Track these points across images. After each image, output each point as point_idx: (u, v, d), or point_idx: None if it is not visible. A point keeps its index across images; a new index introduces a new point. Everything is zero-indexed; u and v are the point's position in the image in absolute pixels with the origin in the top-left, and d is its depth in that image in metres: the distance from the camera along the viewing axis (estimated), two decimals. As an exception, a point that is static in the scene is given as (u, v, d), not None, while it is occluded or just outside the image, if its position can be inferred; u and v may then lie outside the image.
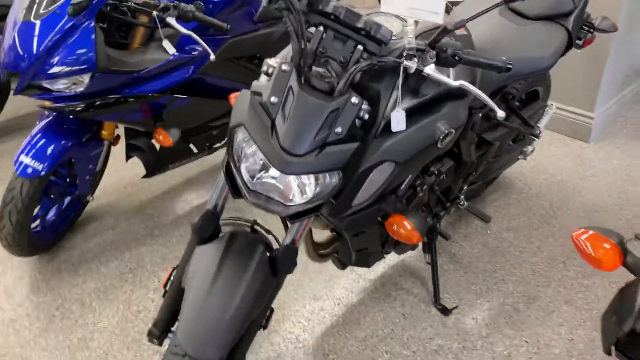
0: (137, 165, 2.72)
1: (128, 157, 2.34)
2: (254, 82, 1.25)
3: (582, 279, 2.10)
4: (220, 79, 2.28)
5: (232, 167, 1.24)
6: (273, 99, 1.16)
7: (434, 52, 1.23)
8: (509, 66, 1.24)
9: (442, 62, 1.24)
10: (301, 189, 1.19)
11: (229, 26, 1.95)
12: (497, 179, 2.68)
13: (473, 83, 1.50)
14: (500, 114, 1.27)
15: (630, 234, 2.31)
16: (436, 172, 1.65)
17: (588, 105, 2.85)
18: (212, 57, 1.95)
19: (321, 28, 1.18)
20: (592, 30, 2.10)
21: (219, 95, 2.31)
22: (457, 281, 2.10)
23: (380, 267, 2.19)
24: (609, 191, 2.59)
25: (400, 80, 1.23)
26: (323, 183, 1.18)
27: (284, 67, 1.17)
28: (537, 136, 2.07)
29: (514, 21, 1.92)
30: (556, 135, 3.08)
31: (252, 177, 1.20)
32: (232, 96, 1.58)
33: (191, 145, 2.42)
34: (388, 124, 1.25)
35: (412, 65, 1.19)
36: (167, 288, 1.47)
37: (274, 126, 1.15)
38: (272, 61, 1.24)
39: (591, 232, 1.08)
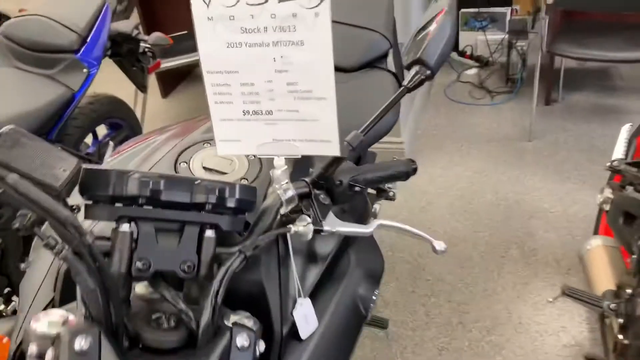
0: None
1: None
2: None
3: (489, 335, 1.83)
4: None
5: None
6: None
7: (324, 193, 0.75)
8: (414, 167, 0.86)
9: (339, 200, 0.77)
10: None
11: None
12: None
13: None
14: (439, 247, 0.84)
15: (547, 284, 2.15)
16: None
17: (396, 131, 2.68)
18: None
19: (125, 227, 0.59)
20: None
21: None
22: (369, 405, 1.66)
23: None
24: (454, 216, 2.41)
25: (292, 258, 0.72)
26: None
27: (78, 343, 0.54)
28: (392, 198, 1.74)
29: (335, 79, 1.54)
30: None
31: None
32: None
33: None
34: (292, 330, 0.73)
35: (308, 229, 0.69)
36: None
37: None
38: (38, 325, 0.60)
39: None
